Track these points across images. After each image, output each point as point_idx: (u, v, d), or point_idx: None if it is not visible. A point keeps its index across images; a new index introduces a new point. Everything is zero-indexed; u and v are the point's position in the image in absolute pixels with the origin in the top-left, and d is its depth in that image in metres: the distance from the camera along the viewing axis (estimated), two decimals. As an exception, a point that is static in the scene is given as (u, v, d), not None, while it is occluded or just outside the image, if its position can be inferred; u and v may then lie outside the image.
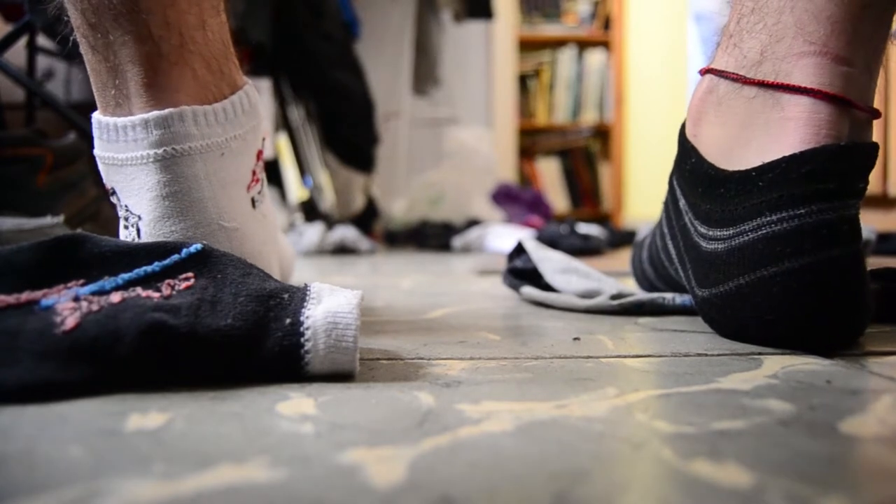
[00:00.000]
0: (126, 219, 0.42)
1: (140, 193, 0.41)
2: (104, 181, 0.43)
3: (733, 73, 0.41)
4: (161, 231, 0.40)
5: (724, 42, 0.44)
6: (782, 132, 0.38)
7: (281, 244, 0.58)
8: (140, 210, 0.41)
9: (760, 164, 0.38)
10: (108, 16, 0.39)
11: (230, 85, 0.44)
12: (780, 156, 0.37)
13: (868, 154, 0.37)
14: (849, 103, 0.37)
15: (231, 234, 0.42)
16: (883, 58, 0.40)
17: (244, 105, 0.44)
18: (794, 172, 0.36)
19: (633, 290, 0.56)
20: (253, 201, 0.45)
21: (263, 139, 0.48)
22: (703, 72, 0.45)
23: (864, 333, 0.39)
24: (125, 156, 0.40)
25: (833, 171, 0.35)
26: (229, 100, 0.43)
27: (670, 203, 0.49)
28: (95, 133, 0.42)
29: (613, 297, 0.54)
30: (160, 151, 0.39)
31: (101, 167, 0.43)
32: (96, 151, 0.42)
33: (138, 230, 0.41)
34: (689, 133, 0.46)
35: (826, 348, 0.38)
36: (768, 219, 0.37)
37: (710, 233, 0.41)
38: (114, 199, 0.43)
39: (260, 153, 0.47)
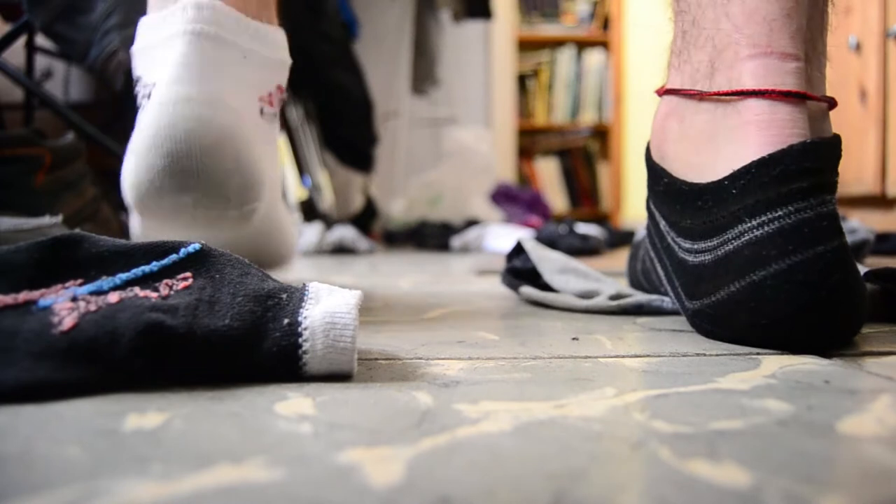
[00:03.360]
0: (145, 97, 0.46)
1: (164, 64, 0.45)
2: (133, 72, 0.48)
3: (690, 90, 0.42)
4: (170, 94, 0.43)
5: (673, 60, 0.44)
6: (746, 137, 0.38)
7: (284, 220, 0.63)
8: (157, 77, 0.45)
9: (731, 171, 0.38)
10: None
11: (268, 19, 0.51)
12: (748, 161, 0.37)
13: (834, 147, 0.37)
14: (804, 96, 0.37)
15: (232, 114, 0.45)
16: (824, 46, 0.40)
17: (275, 39, 0.51)
18: (766, 176, 0.36)
19: (631, 290, 0.56)
20: (261, 110, 0.50)
21: (285, 83, 0.54)
22: (662, 93, 0.45)
23: (861, 328, 0.39)
24: (163, 34, 0.45)
25: (803, 169, 0.36)
26: (263, 24, 0.49)
27: (652, 228, 0.49)
28: (139, 32, 0.48)
29: (612, 298, 0.54)
30: (196, 27, 0.44)
31: (135, 62, 0.48)
32: (135, 48, 0.48)
33: (149, 97, 0.44)
34: (655, 156, 0.46)
35: (825, 345, 0.37)
36: (749, 224, 0.37)
37: (696, 246, 0.41)
38: (138, 89, 0.47)
39: (280, 88, 0.53)
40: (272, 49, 0.51)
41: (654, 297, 0.53)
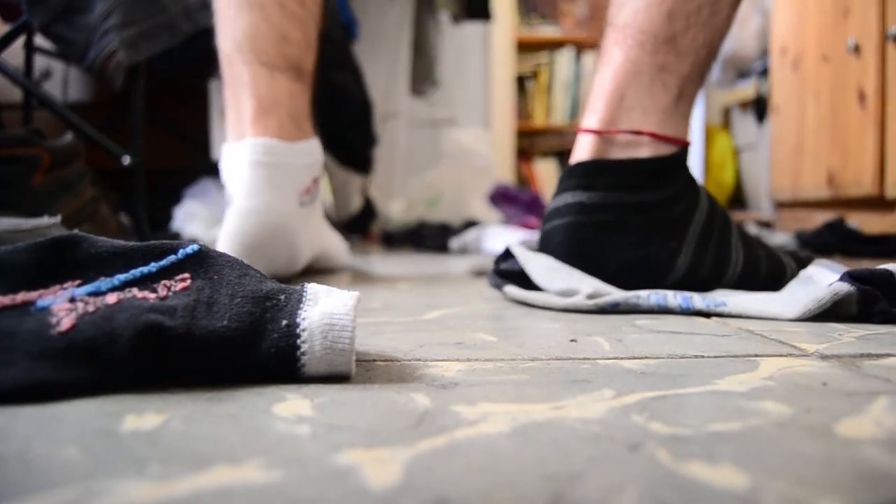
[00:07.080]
0: (230, 201, 0.72)
1: (238, 182, 0.71)
2: (223, 181, 0.75)
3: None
4: (240, 206, 0.70)
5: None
6: (575, 151, 0.63)
7: (327, 237, 0.90)
8: (235, 191, 0.71)
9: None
10: (238, 88, 0.74)
11: (303, 134, 0.76)
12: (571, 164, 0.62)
13: (583, 166, 0.60)
14: (597, 133, 0.61)
15: (279, 216, 0.71)
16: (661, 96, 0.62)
17: (309, 148, 0.76)
18: (566, 172, 0.62)
19: (610, 288, 0.56)
20: (301, 202, 0.75)
21: (320, 174, 0.79)
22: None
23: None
24: (236, 161, 0.71)
25: (575, 174, 0.61)
26: (299, 142, 0.74)
27: None
28: (224, 154, 0.74)
29: (590, 297, 0.54)
30: (254, 158, 0.70)
31: (223, 174, 0.74)
32: (223, 166, 0.74)
33: (232, 204, 0.71)
34: None
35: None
36: (559, 195, 0.62)
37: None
38: (227, 192, 0.74)
39: (316, 180, 0.77)
40: (307, 157, 0.75)
41: (629, 294, 0.53)
